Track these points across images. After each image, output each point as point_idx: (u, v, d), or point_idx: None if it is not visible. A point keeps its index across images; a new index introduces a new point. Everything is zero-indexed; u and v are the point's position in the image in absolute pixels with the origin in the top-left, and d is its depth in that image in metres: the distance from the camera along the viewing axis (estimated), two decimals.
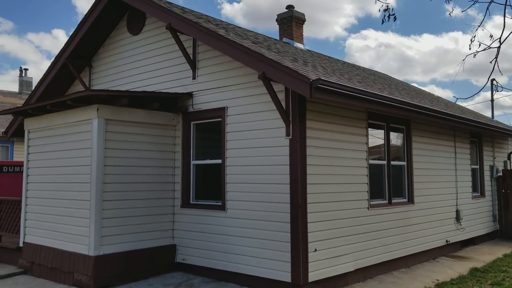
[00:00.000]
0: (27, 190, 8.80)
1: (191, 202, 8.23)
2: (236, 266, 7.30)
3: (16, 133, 11.13)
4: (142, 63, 9.24)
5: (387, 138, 8.72)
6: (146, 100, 7.93)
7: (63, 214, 7.83)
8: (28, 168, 8.82)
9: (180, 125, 8.44)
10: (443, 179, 10.33)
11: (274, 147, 6.98)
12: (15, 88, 32.36)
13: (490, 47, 4.01)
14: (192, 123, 8.37)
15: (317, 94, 6.12)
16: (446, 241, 10.13)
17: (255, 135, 7.26)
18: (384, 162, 8.66)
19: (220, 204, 7.68)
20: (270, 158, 7.02)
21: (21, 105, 10.37)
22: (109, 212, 7.35)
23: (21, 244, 8.75)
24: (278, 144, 6.92)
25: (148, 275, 7.76)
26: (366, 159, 8.00)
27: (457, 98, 6.04)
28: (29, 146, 8.86)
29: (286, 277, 6.62)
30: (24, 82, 30.13)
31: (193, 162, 8.32)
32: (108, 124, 7.39)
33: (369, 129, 8.16)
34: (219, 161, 7.78)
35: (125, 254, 7.47)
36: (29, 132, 8.88)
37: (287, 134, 6.79)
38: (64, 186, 7.90)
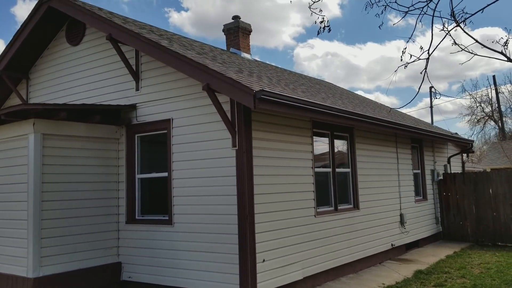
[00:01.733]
0: None
1: (136, 217, 8.00)
2: (185, 281, 7.15)
3: None
4: (82, 74, 8.94)
5: (331, 146, 8.89)
6: (86, 113, 7.66)
7: None
8: None
9: (124, 138, 8.22)
10: (386, 184, 10.66)
11: (220, 159, 6.93)
12: None
13: (420, 59, 4.20)
14: (136, 135, 8.18)
15: (261, 105, 6.15)
16: (392, 245, 10.43)
17: (201, 146, 7.19)
18: (330, 169, 8.82)
19: (167, 218, 7.52)
20: (217, 170, 6.96)
21: None
22: (48, 231, 7.01)
23: None
24: (225, 155, 6.88)
25: None
26: (312, 167, 8.11)
27: (391, 108, 6.30)
28: None
29: None
30: None
31: (138, 176, 8.10)
32: (45, 139, 7.08)
33: (314, 137, 8.29)
34: (165, 174, 7.63)
35: (67, 274, 7.14)
36: None
37: (233, 145, 6.77)
38: (0, 206, 7.46)
